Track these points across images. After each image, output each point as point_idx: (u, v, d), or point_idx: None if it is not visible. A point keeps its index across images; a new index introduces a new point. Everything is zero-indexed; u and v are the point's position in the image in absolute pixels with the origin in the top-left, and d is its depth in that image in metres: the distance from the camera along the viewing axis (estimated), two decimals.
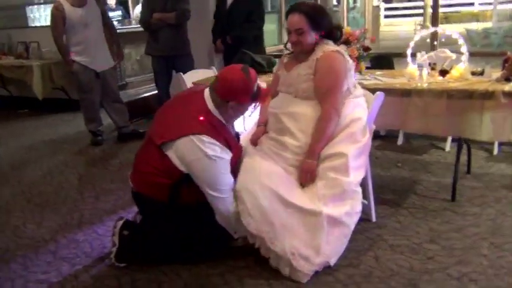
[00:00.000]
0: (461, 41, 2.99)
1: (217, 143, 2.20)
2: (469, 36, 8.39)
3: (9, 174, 4.06)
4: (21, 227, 2.98)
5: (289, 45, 2.55)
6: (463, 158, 3.36)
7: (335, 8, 10.17)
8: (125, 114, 4.82)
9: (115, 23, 6.28)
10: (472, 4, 17.30)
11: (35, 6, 6.94)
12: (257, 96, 2.29)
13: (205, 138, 2.17)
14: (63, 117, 6.06)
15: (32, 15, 6.84)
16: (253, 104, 2.35)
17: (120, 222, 2.44)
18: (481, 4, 16.76)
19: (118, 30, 5.08)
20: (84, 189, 3.55)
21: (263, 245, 2.23)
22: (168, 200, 2.29)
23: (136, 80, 6.99)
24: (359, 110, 2.44)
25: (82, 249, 2.64)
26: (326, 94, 2.35)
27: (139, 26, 5.15)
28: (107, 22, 4.65)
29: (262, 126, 2.58)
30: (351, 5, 8.71)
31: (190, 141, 2.17)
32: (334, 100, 2.35)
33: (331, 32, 2.46)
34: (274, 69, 3.80)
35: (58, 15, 4.31)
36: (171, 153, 2.22)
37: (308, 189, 2.30)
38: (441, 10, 16.80)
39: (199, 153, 2.16)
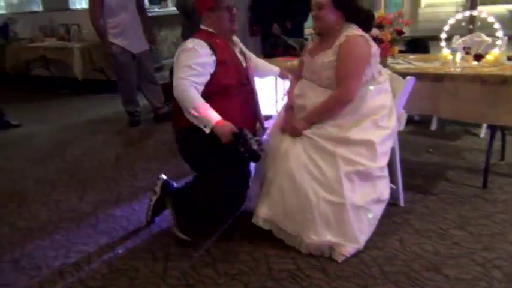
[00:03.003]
0: (497, 25, 2.93)
1: (196, 40, 2.41)
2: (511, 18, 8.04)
3: (53, 151, 4.28)
4: (64, 201, 3.17)
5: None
6: (497, 144, 3.32)
7: None
8: (160, 96, 4.96)
9: None
10: None
11: None
12: None
13: (191, 39, 2.44)
14: (102, 98, 6.27)
15: None
16: (224, 7, 2.47)
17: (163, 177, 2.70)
18: None
19: (155, 13, 5.19)
20: (122, 168, 3.72)
21: (302, 243, 2.35)
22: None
23: (173, 62, 7.11)
24: (383, 96, 2.43)
25: (119, 224, 2.80)
26: (343, 79, 2.34)
27: (175, 9, 5.24)
28: (140, 6, 4.76)
29: (291, 111, 2.57)
30: None
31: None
32: (349, 87, 2.33)
33: (357, 15, 2.41)
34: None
35: None
36: None
37: (332, 173, 2.30)
38: None
39: (181, 47, 2.44)
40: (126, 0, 4.53)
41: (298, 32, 4.62)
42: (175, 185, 2.79)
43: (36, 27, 7.14)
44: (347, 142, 2.34)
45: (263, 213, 2.40)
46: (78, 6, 6.98)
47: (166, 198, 2.63)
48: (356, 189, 2.30)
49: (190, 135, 2.44)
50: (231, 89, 2.48)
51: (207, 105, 2.35)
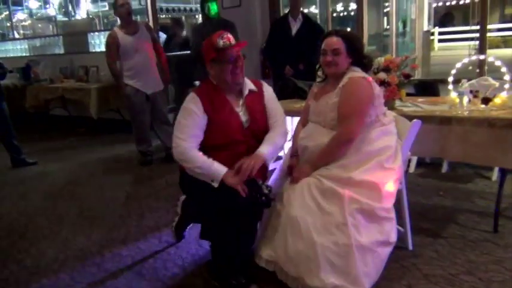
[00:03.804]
0: (504, 69, 2.95)
1: (193, 95, 2.42)
2: None
3: (64, 189, 4.35)
4: (72, 239, 3.19)
5: (320, 73, 2.63)
6: (510, 187, 3.28)
7: (385, 32, 10.13)
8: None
9: None
10: None
11: (96, 33, 7.43)
12: (223, 48, 2.34)
13: (191, 94, 2.45)
14: (117, 137, 6.40)
15: (92, 41, 7.32)
16: (227, 60, 2.35)
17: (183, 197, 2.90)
18: None
19: (171, 55, 5.35)
20: (131, 207, 3.74)
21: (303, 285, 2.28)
22: None
23: None
24: (388, 137, 2.44)
25: (125, 263, 2.79)
26: (344, 119, 2.37)
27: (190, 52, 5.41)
28: (157, 49, 4.92)
29: (296, 157, 2.59)
30: (400, 29, 8.64)
31: None
32: (350, 126, 2.36)
33: (362, 59, 2.50)
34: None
35: (112, 43, 4.64)
36: None
37: (337, 214, 2.27)
38: (500, 34, 16.21)
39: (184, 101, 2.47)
40: (140, 43, 4.69)
41: (311, 74, 4.69)
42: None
43: (57, 68, 7.42)
44: (352, 183, 2.33)
45: (266, 254, 2.39)
46: (97, 49, 7.23)
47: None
48: (362, 230, 2.27)
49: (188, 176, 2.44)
50: (217, 147, 2.41)
51: (209, 161, 2.34)
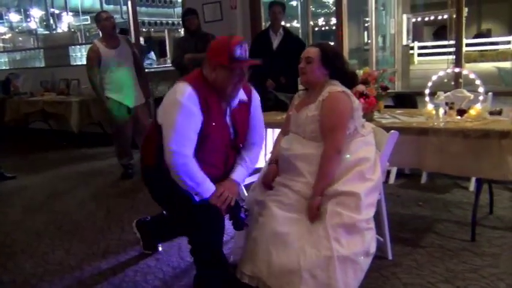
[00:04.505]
0: (478, 81, 3.03)
1: (188, 89, 2.18)
2: (500, 75, 8.26)
3: (44, 202, 4.29)
4: (50, 253, 3.15)
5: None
6: (487, 197, 3.35)
7: (366, 47, 10.30)
8: None
9: None
10: (509, 42, 17.11)
11: (77, 46, 7.41)
12: (238, 59, 2.21)
13: (181, 85, 2.21)
14: (99, 150, 6.35)
15: (74, 55, 7.30)
16: (236, 72, 2.24)
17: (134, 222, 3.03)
18: None
19: (153, 69, 5.36)
20: (111, 220, 3.71)
21: None
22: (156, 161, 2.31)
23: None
24: (367, 148, 2.47)
25: (105, 277, 2.76)
26: (328, 134, 2.40)
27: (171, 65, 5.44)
28: (137, 63, 4.93)
29: (274, 164, 2.62)
30: (380, 44, 8.79)
31: (170, 89, 2.27)
32: (335, 140, 2.39)
33: (344, 75, 2.53)
34: None
35: (93, 56, 4.62)
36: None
37: (319, 227, 2.30)
38: (477, 48, 16.66)
39: (170, 96, 2.22)
40: (122, 57, 4.70)
41: (293, 87, 4.72)
42: (147, 218, 3.01)
43: (37, 82, 7.36)
44: (333, 194, 2.35)
45: (248, 270, 2.37)
46: (79, 63, 7.21)
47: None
48: (343, 242, 2.28)
49: (157, 173, 2.31)
50: (199, 154, 2.28)
51: (203, 178, 2.25)
